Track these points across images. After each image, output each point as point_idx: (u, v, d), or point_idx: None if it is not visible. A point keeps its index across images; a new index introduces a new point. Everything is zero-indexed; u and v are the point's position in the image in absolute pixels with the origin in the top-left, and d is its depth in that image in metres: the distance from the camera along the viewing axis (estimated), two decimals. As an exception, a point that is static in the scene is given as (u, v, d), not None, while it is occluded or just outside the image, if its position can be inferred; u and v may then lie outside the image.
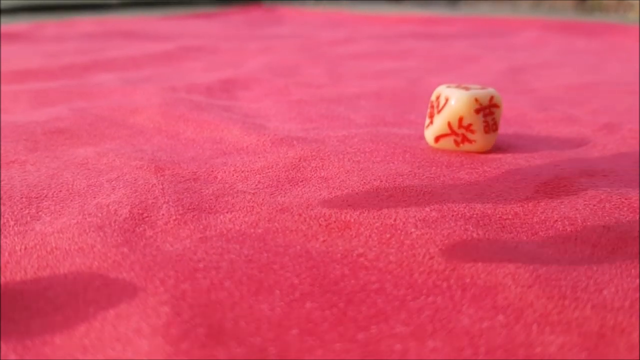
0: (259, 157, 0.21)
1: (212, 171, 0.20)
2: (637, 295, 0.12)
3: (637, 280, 0.13)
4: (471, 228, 0.15)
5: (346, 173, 0.19)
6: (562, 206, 0.17)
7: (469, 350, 0.11)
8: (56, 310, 0.12)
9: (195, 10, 1.00)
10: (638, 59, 0.58)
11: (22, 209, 0.17)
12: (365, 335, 0.11)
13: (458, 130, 0.22)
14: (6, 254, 0.14)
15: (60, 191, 0.18)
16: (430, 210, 0.16)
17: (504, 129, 0.27)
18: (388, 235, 0.15)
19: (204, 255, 0.14)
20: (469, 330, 0.11)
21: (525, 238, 0.15)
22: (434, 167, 0.20)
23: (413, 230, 0.15)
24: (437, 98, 0.22)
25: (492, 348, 0.11)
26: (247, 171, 0.20)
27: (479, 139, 0.22)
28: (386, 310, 0.12)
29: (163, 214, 0.16)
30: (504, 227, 0.15)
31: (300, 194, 0.18)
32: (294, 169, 0.20)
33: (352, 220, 0.16)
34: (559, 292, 0.12)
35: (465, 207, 0.16)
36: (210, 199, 0.17)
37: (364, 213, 0.16)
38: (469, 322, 0.11)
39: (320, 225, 0.16)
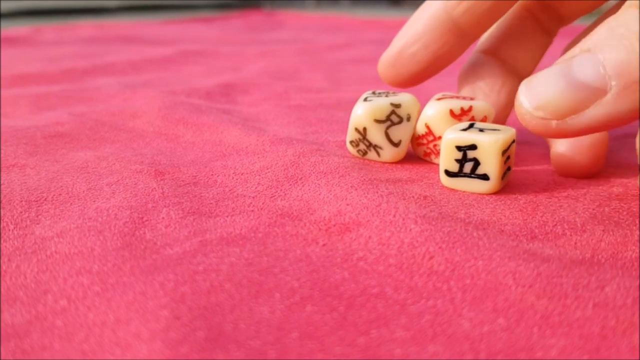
0: (259, 158, 0.21)
1: (212, 175, 0.20)
2: (638, 293, 0.12)
3: (638, 282, 0.12)
4: (471, 228, 0.15)
5: (345, 168, 0.19)
6: (562, 210, 0.17)
7: (469, 354, 0.11)
8: (55, 315, 0.12)
9: (195, 15, 1.00)
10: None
11: (21, 212, 0.17)
12: (365, 339, 0.11)
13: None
14: (6, 258, 0.14)
15: (60, 195, 0.18)
16: (430, 210, 0.16)
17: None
18: (388, 234, 0.15)
19: (203, 258, 0.14)
20: (470, 335, 0.11)
21: (525, 241, 0.15)
22: (432, 173, 0.20)
23: (413, 226, 0.15)
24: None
25: (492, 352, 0.11)
26: (247, 173, 0.20)
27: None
28: (386, 315, 0.12)
29: (163, 218, 0.16)
30: (503, 231, 0.15)
31: (300, 195, 0.18)
32: (292, 165, 0.20)
33: (352, 220, 0.16)
34: (560, 291, 0.12)
35: (464, 212, 0.16)
36: (210, 203, 0.17)
37: (363, 211, 0.16)
38: (470, 326, 0.11)
39: (320, 229, 0.16)
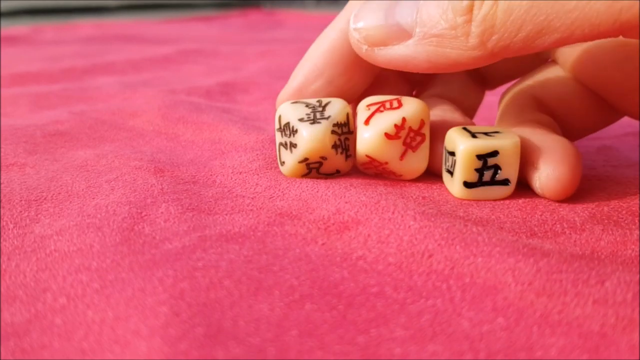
0: (258, 156, 0.21)
1: (211, 174, 0.20)
2: (639, 288, 0.12)
3: (638, 277, 0.12)
4: (470, 224, 0.15)
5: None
6: (561, 209, 0.17)
7: (469, 354, 0.11)
8: (54, 313, 0.12)
9: (195, 14, 1.00)
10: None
11: (21, 211, 0.17)
12: (364, 338, 0.11)
13: None
14: (5, 257, 0.14)
15: (60, 193, 0.18)
16: (429, 208, 0.16)
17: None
18: (387, 232, 0.15)
19: (202, 254, 0.14)
20: (469, 334, 0.11)
21: (524, 238, 0.15)
22: (431, 175, 0.20)
23: (412, 223, 0.15)
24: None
25: (492, 352, 0.11)
26: (246, 172, 0.20)
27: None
28: (386, 314, 0.12)
29: (162, 213, 0.16)
30: (502, 229, 0.15)
31: (298, 194, 0.18)
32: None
33: (350, 218, 0.16)
34: (560, 288, 0.12)
35: (463, 211, 0.16)
36: (210, 202, 0.17)
37: (362, 209, 0.16)
38: (469, 326, 0.11)
39: (319, 228, 0.16)
